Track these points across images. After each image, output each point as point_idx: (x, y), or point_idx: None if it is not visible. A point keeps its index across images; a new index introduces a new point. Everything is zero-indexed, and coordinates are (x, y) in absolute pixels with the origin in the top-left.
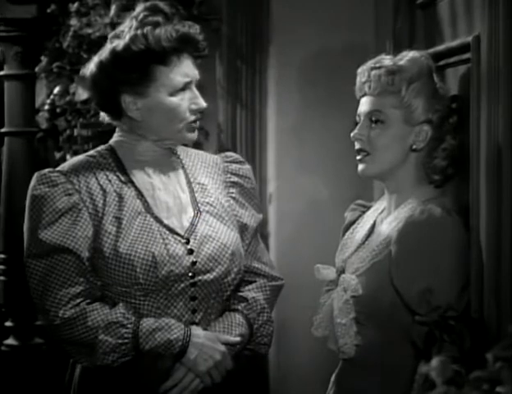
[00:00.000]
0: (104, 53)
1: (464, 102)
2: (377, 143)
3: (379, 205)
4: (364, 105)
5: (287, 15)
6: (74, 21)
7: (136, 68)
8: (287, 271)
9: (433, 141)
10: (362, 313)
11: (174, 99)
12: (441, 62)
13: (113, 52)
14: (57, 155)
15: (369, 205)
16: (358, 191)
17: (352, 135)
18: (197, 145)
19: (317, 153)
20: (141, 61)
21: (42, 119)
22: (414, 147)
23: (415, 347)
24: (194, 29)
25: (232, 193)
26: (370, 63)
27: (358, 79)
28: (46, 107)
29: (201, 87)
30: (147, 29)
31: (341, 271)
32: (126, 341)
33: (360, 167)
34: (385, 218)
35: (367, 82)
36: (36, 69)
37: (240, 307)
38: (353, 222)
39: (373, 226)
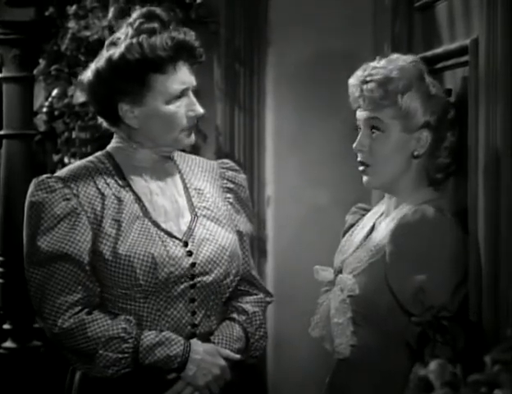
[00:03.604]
0: (100, 62)
1: (461, 105)
2: (379, 154)
3: (378, 208)
4: (363, 114)
5: (285, 18)
6: (72, 24)
7: (132, 77)
8: (286, 275)
9: (434, 142)
10: (359, 313)
11: (171, 107)
12: (439, 65)
13: (109, 61)
14: (55, 158)
15: (370, 208)
16: (357, 194)
17: (354, 146)
18: (195, 148)
19: (316, 155)
20: (137, 69)
21: (40, 121)
22: (416, 153)
23: (411, 348)
24: (190, 36)
25: (229, 198)
26: (360, 74)
27: (350, 91)
28: (44, 109)
29: (199, 90)
30: (142, 37)
31: (339, 271)
32: (126, 355)
33: (364, 179)
34: (383, 220)
35: (360, 97)
36: (34, 71)
37: (240, 319)
38: (353, 225)
39: (372, 228)
